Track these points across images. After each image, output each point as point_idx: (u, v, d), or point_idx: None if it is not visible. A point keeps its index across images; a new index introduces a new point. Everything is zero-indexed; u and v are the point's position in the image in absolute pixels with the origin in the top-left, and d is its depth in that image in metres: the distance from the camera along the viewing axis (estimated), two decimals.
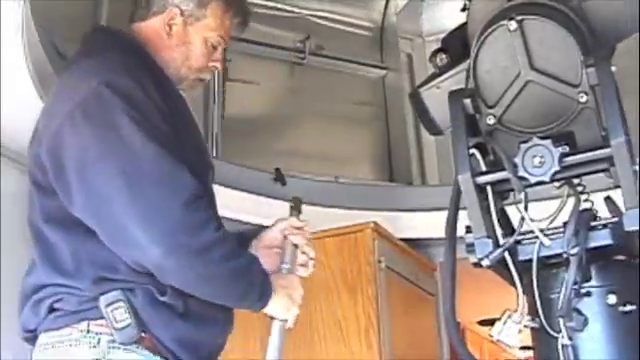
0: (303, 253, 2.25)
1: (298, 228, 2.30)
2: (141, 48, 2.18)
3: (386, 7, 5.16)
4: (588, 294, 1.86)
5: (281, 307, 2.14)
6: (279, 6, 4.80)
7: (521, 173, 1.84)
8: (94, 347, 1.93)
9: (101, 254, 1.95)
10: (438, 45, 2.33)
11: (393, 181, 4.81)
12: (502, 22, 1.92)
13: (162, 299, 1.96)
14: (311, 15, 4.92)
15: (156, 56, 2.20)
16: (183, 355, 2.00)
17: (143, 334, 1.95)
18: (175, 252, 1.87)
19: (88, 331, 1.94)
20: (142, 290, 1.96)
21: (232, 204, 3.48)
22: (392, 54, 5.13)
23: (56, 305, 1.98)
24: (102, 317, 1.93)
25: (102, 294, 1.93)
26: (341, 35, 5.05)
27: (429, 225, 4.01)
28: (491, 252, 1.86)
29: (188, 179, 1.93)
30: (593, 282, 1.87)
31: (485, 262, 1.86)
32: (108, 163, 1.90)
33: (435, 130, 2.27)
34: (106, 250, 1.94)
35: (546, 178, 1.83)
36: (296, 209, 2.40)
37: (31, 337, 2.03)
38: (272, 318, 2.20)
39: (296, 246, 2.27)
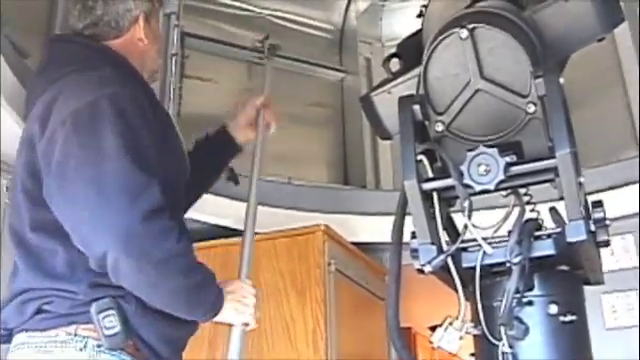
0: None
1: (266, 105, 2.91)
2: (127, 63, 2.27)
3: (347, 10, 5.16)
4: (530, 303, 1.87)
5: (232, 314, 2.18)
6: (239, 4, 4.79)
7: (466, 181, 1.84)
8: (81, 350, 1.98)
9: None
10: None
11: (347, 184, 4.81)
12: (454, 30, 1.92)
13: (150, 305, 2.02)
14: (271, 15, 4.91)
15: (138, 67, 2.30)
16: (162, 349, 2.07)
17: (129, 341, 2.00)
18: (130, 256, 1.90)
19: (75, 334, 1.99)
20: (134, 297, 2.00)
21: None
22: (351, 57, 5.14)
23: (45, 307, 2.02)
24: (90, 322, 1.98)
25: (95, 300, 1.98)
26: (301, 36, 5.04)
27: (381, 229, 3.93)
28: (434, 258, 1.86)
29: (153, 192, 1.96)
30: (535, 291, 1.88)
31: (427, 268, 1.86)
32: (85, 170, 1.95)
33: (385, 135, 2.27)
34: None
35: (491, 186, 1.83)
36: None
37: (6, 335, 2.06)
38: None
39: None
